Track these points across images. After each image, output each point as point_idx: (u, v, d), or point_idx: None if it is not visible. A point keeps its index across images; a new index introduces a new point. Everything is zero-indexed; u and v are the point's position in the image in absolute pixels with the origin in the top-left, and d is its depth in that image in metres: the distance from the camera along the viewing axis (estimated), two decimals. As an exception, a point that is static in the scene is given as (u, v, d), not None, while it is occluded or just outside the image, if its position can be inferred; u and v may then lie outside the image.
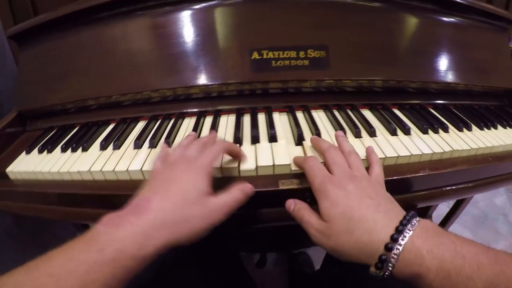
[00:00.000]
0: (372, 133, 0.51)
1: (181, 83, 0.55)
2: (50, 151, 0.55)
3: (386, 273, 0.28)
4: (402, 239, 0.27)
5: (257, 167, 0.43)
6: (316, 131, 0.49)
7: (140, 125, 0.58)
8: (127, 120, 0.59)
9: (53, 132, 0.61)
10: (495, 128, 0.58)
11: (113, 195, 0.46)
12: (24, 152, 0.56)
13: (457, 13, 0.62)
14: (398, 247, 0.27)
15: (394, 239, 0.28)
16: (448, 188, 0.50)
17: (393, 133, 0.51)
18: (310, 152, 0.45)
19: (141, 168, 0.46)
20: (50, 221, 0.87)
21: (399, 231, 0.28)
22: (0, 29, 0.66)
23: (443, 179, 0.48)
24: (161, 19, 0.58)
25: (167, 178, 0.33)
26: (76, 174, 0.49)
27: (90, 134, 0.57)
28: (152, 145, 0.50)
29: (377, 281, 0.30)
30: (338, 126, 0.51)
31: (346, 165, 0.36)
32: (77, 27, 0.60)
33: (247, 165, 0.43)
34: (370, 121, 0.53)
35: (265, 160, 0.43)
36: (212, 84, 0.55)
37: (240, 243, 0.98)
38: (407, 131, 0.52)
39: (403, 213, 0.31)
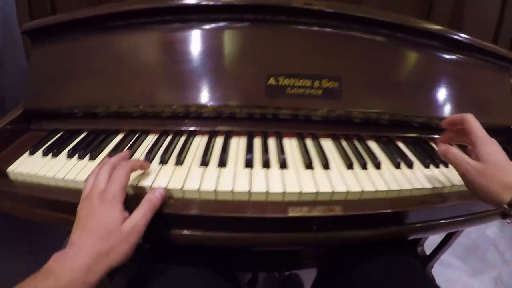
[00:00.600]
0: (377, 165, 0.53)
1: (195, 101, 0.57)
2: (55, 155, 0.54)
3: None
4: None
5: (268, 192, 0.45)
6: (325, 161, 0.52)
7: (150, 138, 0.58)
8: (137, 132, 0.59)
9: (59, 135, 0.60)
10: None
11: None
12: (27, 153, 0.55)
13: (461, 51, 0.67)
14: None
15: None
16: (442, 221, 0.53)
17: (397, 166, 0.54)
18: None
19: (151, 185, 0.46)
20: (40, 223, 0.84)
21: None
22: (15, 23, 0.65)
23: (438, 212, 0.52)
24: (180, 35, 0.59)
25: (87, 213, 0.40)
26: (82, 184, 0.49)
27: (98, 142, 0.57)
28: (163, 161, 0.51)
29: None
30: (345, 156, 0.54)
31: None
32: (93, 32, 0.61)
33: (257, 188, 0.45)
34: (375, 153, 0.56)
35: (276, 186, 0.45)
36: (226, 105, 0.57)
37: (233, 261, 0.98)
38: (409, 165, 0.55)
39: None
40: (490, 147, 0.44)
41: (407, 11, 0.70)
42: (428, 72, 0.66)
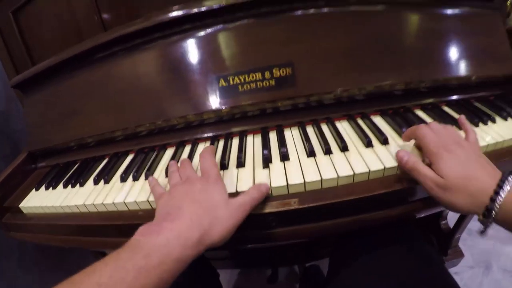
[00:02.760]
0: (343, 148, 0.50)
1: (161, 117, 0.60)
2: (54, 187, 0.62)
3: (490, 221, 0.35)
4: (502, 192, 0.34)
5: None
6: (282, 152, 0.51)
7: (129, 158, 0.63)
8: (118, 154, 0.65)
9: (58, 169, 0.68)
10: (493, 122, 0.55)
11: (110, 225, 0.51)
12: (34, 189, 0.64)
13: (444, 1, 0.60)
14: (500, 198, 0.34)
15: (496, 192, 0.34)
16: None
17: (368, 145, 0.50)
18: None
19: (124, 200, 0.50)
20: (70, 249, 0.96)
21: (499, 186, 0.35)
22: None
23: None
24: (132, 60, 0.62)
25: (185, 192, 0.37)
26: (74, 208, 0.56)
27: (87, 170, 0.63)
28: (135, 178, 0.55)
29: None
30: (307, 143, 0.52)
31: (448, 135, 0.42)
32: (71, 71, 0.67)
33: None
34: (345, 134, 0.53)
35: (230, 187, 0.46)
36: (188, 115, 0.59)
37: (251, 258, 1.01)
38: (384, 141, 0.51)
39: (500, 172, 0.37)
40: (445, 157, 0.39)
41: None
42: (404, 32, 0.60)
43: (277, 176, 0.47)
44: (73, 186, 0.60)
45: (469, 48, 0.60)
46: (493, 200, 0.34)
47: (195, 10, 0.54)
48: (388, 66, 0.59)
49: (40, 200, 0.60)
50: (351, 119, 0.58)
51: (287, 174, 0.47)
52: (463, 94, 0.63)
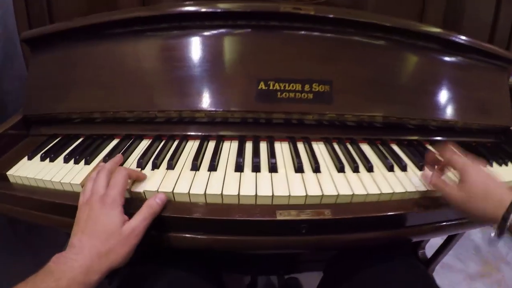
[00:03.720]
0: (369, 168, 0.53)
1: (187, 106, 0.57)
2: (52, 159, 0.56)
3: (504, 230, 0.41)
4: None
5: (256, 195, 0.45)
6: (315, 164, 0.52)
7: (144, 143, 0.60)
8: (132, 137, 0.61)
9: (57, 140, 0.62)
10: (491, 166, 0.61)
11: None
12: (26, 157, 0.57)
13: (458, 53, 0.66)
14: None
15: None
16: (443, 223, 0.53)
17: (390, 169, 0.54)
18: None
19: (143, 190, 0.47)
20: (41, 227, 0.87)
21: None
22: (14, 30, 0.67)
23: (437, 215, 0.51)
24: (173, 42, 0.60)
25: (88, 217, 0.41)
26: (77, 187, 0.50)
27: (94, 147, 0.58)
28: (155, 166, 0.52)
29: None
30: (337, 160, 0.54)
31: (468, 158, 0.48)
32: (90, 40, 0.62)
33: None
34: (368, 156, 0.56)
35: (264, 190, 0.46)
36: (216, 110, 0.57)
37: (231, 264, 0.99)
38: (403, 168, 0.55)
39: None
40: (471, 172, 0.45)
41: (399, 11, 0.70)
42: (422, 74, 0.65)
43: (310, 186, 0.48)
44: (77, 162, 0.55)
45: (479, 99, 0.67)
46: (509, 211, 0.40)
47: (251, 9, 0.54)
48: (406, 102, 0.63)
49: (34, 171, 0.54)
50: (372, 143, 0.62)
51: (321, 185, 0.48)
52: (464, 137, 0.70)
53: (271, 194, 0.45)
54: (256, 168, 0.50)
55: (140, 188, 0.47)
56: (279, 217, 0.44)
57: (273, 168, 0.51)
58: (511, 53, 0.67)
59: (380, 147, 0.61)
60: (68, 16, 0.64)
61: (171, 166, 0.51)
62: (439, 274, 1.06)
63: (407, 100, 0.63)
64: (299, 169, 0.51)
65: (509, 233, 0.44)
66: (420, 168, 0.56)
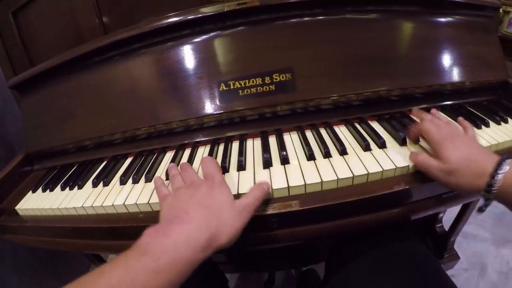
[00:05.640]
0: (342, 151, 0.51)
1: (160, 120, 0.60)
2: (51, 189, 0.62)
3: (491, 196, 0.39)
4: (500, 170, 0.38)
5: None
6: (283, 156, 0.51)
7: (128, 161, 0.63)
8: (117, 157, 0.65)
9: (55, 171, 0.68)
10: (487, 126, 0.57)
11: (108, 228, 0.51)
12: (30, 191, 0.64)
13: (437, 10, 0.62)
14: (499, 175, 0.38)
15: (495, 170, 0.39)
16: (444, 195, 0.50)
17: (366, 148, 0.52)
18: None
19: (124, 203, 0.50)
20: (63, 252, 0.95)
21: (498, 164, 0.39)
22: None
23: (427, 190, 0.48)
24: (133, 63, 0.62)
25: (191, 195, 0.37)
26: (72, 210, 0.55)
27: (85, 172, 0.63)
28: (135, 181, 0.55)
29: None
30: (307, 147, 0.53)
31: (449, 128, 0.47)
32: (69, 73, 0.67)
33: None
34: (342, 138, 0.54)
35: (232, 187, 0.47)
36: (188, 119, 0.59)
37: (248, 262, 1.00)
38: (382, 145, 0.52)
39: (497, 155, 0.41)
40: (447, 146, 0.44)
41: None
42: (402, 40, 0.62)
43: (278, 179, 0.47)
44: (71, 188, 0.60)
45: (463, 56, 0.62)
46: (492, 176, 0.38)
47: (195, 16, 0.54)
48: (384, 73, 0.60)
49: (37, 202, 0.60)
50: (349, 124, 0.59)
51: (287, 176, 0.47)
52: (457, 99, 0.65)
53: (236, 193, 0.46)
54: (224, 169, 0.51)
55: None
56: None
57: (240, 167, 0.51)
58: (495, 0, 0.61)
59: (358, 126, 0.59)
60: (45, 54, 0.69)
61: (148, 179, 0.54)
62: (462, 245, 0.98)
63: (383, 72, 0.60)
64: (266, 163, 0.51)
65: (499, 200, 0.40)
66: (402, 142, 0.53)
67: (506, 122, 0.58)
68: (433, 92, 0.63)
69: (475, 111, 0.60)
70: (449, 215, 0.86)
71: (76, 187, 0.60)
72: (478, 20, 0.62)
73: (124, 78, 0.64)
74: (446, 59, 0.61)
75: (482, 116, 0.58)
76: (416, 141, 0.52)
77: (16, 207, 0.61)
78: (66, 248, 0.60)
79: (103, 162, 0.66)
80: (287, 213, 0.44)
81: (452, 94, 0.64)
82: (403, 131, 0.54)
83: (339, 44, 0.59)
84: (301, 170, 0.49)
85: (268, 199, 0.46)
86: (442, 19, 0.62)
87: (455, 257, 0.88)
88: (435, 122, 0.48)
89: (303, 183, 0.46)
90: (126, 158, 0.64)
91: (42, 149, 0.68)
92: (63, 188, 0.61)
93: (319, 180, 0.46)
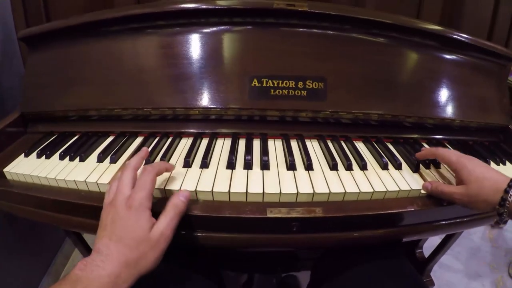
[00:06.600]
0: (363, 166, 0.53)
1: (181, 103, 0.58)
2: (48, 156, 0.57)
3: (505, 210, 0.42)
4: None
5: (247, 193, 0.45)
6: (308, 162, 0.51)
7: (138, 140, 0.60)
8: (126, 134, 0.61)
9: (53, 138, 0.62)
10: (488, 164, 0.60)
11: None
12: (22, 154, 0.58)
13: (457, 50, 0.65)
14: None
15: (509, 185, 0.42)
16: (441, 222, 0.52)
17: (384, 167, 0.54)
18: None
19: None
20: (40, 224, 0.88)
21: (510, 185, 0.42)
22: (12, 28, 0.68)
23: (434, 214, 0.51)
24: (169, 39, 0.60)
25: (113, 220, 0.39)
26: (72, 183, 0.51)
27: (89, 144, 0.58)
28: (148, 162, 0.52)
29: None
30: (330, 157, 0.54)
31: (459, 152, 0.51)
32: (86, 38, 0.62)
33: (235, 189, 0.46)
34: (363, 154, 0.56)
35: (255, 187, 0.46)
36: (211, 108, 0.57)
37: (228, 262, 0.99)
38: (398, 166, 0.54)
39: (508, 177, 0.44)
40: (466, 164, 0.47)
41: (397, 7, 0.69)
42: (420, 71, 0.65)
43: (303, 183, 0.48)
44: (72, 159, 0.55)
45: (476, 96, 0.67)
46: (507, 192, 0.42)
47: (244, 6, 0.54)
48: (406, 99, 0.63)
49: (30, 168, 0.54)
50: (367, 141, 0.61)
51: (312, 182, 0.48)
52: (462, 135, 0.69)
53: (261, 192, 0.45)
54: (247, 166, 0.50)
55: None
56: (269, 215, 0.44)
57: (265, 166, 0.50)
58: (510, 50, 0.66)
59: (375, 145, 0.61)
60: (64, 15, 0.64)
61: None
62: (436, 273, 1.05)
63: (403, 98, 0.63)
64: (291, 166, 0.50)
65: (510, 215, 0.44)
66: (416, 166, 0.55)
67: (504, 164, 0.62)
68: (444, 126, 0.67)
69: (478, 149, 0.65)
70: (430, 243, 0.91)
71: (78, 159, 0.55)
72: (494, 66, 0.67)
73: (150, 53, 0.61)
74: (462, 97, 0.65)
75: (486, 154, 0.63)
76: (427, 167, 0.55)
77: (5, 170, 0.55)
78: (52, 222, 0.55)
79: (109, 136, 0.62)
80: (309, 219, 0.44)
81: (459, 130, 0.68)
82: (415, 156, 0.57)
83: (370, 64, 0.61)
84: (325, 179, 0.49)
85: (291, 202, 0.46)
86: (463, 60, 0.66)
87: (431, 283, 0.93)
88: (449, 149, 0.52)
89: (327, 191, 0.47)
90: (136, 136, 0.61)
91: (42, 111, 0.63)
92: (62, 157, 0.56)
93: (343, 191, 0.47)
